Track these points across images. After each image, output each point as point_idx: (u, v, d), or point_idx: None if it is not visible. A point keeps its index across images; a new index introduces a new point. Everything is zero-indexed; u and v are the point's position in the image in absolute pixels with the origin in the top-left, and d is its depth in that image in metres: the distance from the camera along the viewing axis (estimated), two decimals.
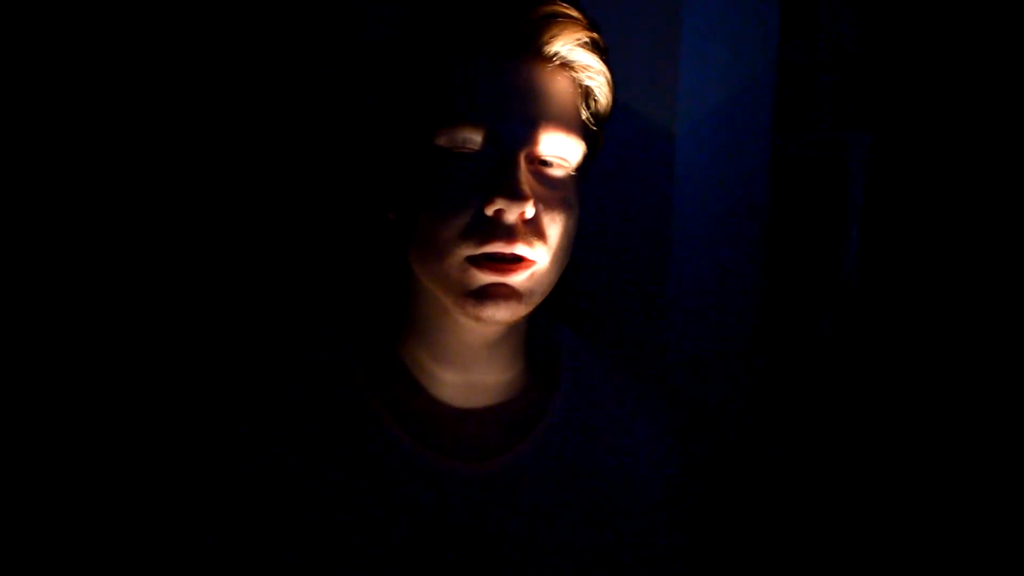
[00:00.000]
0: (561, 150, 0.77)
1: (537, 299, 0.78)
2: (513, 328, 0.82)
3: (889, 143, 1.10)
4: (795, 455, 1.12)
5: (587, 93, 0.80)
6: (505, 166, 0.74)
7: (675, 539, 0.89)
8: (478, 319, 0.76)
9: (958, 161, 1.11)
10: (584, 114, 0.80)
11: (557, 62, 0.77)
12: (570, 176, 0.79)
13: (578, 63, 0.78)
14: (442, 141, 0.75)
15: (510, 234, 0.74)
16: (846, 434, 1.12)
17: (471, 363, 0.83)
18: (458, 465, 0.80)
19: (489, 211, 0.73)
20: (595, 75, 0.80)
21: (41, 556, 1.05)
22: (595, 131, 0.82)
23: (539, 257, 0.76)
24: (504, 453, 0.82)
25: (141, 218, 1.15)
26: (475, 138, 0.75)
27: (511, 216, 0.74)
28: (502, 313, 0.76)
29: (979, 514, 0.97)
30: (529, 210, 0.74)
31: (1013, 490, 0.96)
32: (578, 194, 0.80)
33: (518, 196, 0.73)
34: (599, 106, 0.82)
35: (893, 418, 1.13)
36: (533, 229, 0.75)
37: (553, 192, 0.77)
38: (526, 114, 0.75)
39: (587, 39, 0.78)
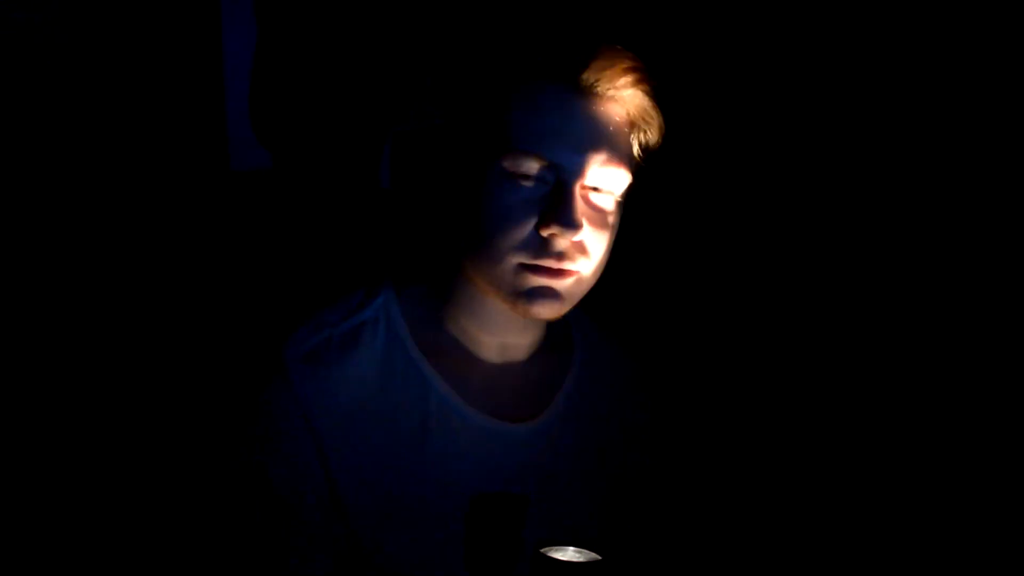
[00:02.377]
0: (611, 181, 0.87)
1: (577, 300, 0.90)
2: None
3: None
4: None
5: (638, 128, 0.89)
6: (561, 194, 0.84)
7: (649, 465, 1.05)
8: (526, 315, 0.89)
9: None
10: (635, 148, 0.90)
11: (611, 100, 0.86)
12: (616, 202, 0.89)
13: (631, 102, 0.87)
14: (506, 165, 0.85)
15: (560, 255, 0.85)
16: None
17: (509, 329, 0.95)
18: (504, 424, 0.93)
19: (544, 233, 0.84)
20: (647, 113, 0.88)
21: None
22: (640, 162, 0.91)
23: (583, 268, 0.87)
24: (536, 415, 0.95)
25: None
26: (535, 165, 0.84)
27: (563, 242, 0.85)
28: (547, 312, 0.88)
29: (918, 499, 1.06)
30: (579, 236, 0.85)
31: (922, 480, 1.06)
32: (619, 216, 0.90)
33: (572, 225, 0.84)
34: (649, 140, 0.90)
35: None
36: (579, 248, 0.86)
37: (599, 216, 0.87)
38: (582, 148, 0.84)
39: (640, 79, 0.86)
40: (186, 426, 1.15)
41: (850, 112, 1.13)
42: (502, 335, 0.95)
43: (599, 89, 0.84)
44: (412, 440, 0.91)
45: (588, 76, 0.84)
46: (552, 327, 1.00)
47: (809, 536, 1.10)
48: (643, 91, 0.87)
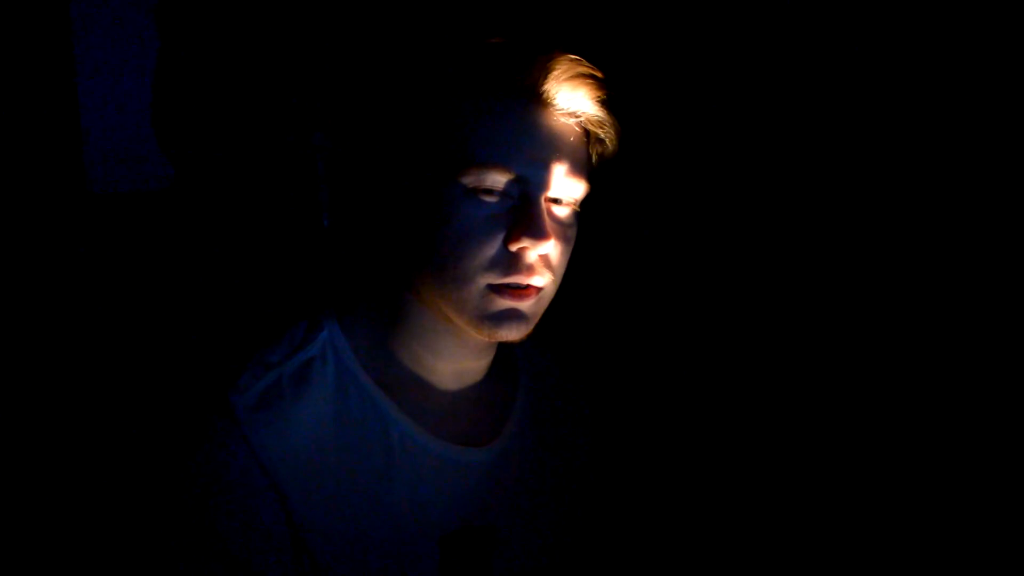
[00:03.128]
0: (572, 191, 0.86)
1: (539, 318, 0.88)
2: None
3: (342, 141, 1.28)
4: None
5: (595, 138, 0.88)
6: (528, 208, 0.82)
7: (591, 484, 1.06)
8: (492, 338, 0.86)
9: None
10: (593, 158, 0.89)
11: (569, 112, 0.84)
12: (574, 212, 0.88)
13: (589, 113, 0.85)
14: (468, 181, 0.82)
15: (529, 268, 0.83)
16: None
17: (464, 355, 0.92)
18: (466, 450, 0.91)
19: (514, 248, 0.82)
20: (604, 125, 0.87)
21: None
22: (596, 170, 0.90)
23: (547, 286, 0.86)
24: (493, 438, 0.94)
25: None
26: (500, 179, 0.82)
27: (533, 254, 0.83)
28: (514, 334, 0.86)
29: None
30: (548, 248, 0.83)
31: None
32: (576, 227, 0.89)
33: (542, 236, 0.82)
34: (605, 150, 0.90)
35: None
36: (545, 262, 0.85)
37: (562, 228, 0.86)
38: (545, 159, 0.82)
39: (597, 91, 0.85)
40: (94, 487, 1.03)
41: (832, 112, 1.12)
42: (457, 361, 0.92)
43: (557, 101, 0.83)
44: (376, 477, 0.87)
45: (546, 89, 0.82)
46: (500, 345, 0.97)
47: (777, 547, 1.11)
48: (600, 102, 0.85)
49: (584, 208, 0.89)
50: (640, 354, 1.24)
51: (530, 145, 0.82)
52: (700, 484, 1.17)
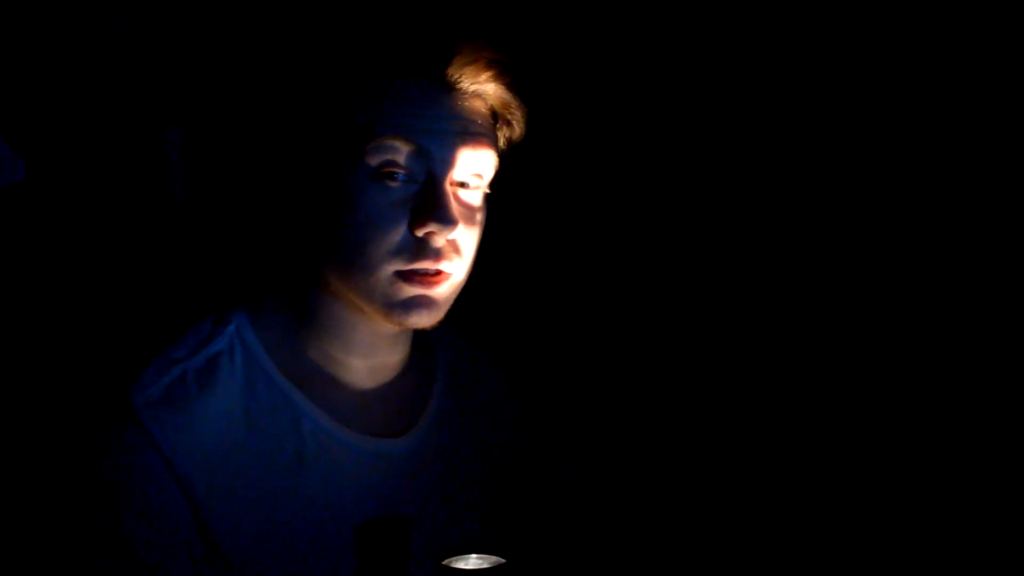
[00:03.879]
0: (478, 171, 0.86)
1: (450, 304, 0.88)
2: None
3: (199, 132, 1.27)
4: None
5: (503, 120, 0.89)
6: (433, 191, 0.82)
7: (517, 468, 1.05)
8: (403, 325, 0.86)
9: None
10: (501, 140, 0.90)
11: (475, 94, 0.85)
12: (484, 195, 0.88)
13: (493, 95, 0.87)
14: (371, 160, 0.81)
15: (437, 253, 0.83)
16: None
17: (377, 349, 0.92)
18: (380, 441, 0.90)
19: (419, 232, 0.82)
20: (510, 107, 0.88)
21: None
22: (506, 152, 0.91)
23: (456, 270, 0.86)
24: (408, 428, 0.93)
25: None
26: (403, 150, 0.81)
27: (440, 239, 0.83)
28: (425, 320, 0.85)
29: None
30: (455, 232, 0.83)
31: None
32: (486, 213, 0.89)
33: (448, 221, 0.82)
34: (513, 133, 0.91)
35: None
36: (453, 247, 0.84)
37: (470, 212, 0.86)
38: (450, 139, 0.83)
39: (502, 73, 0.85)
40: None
41: (833, 111, 1.13)
42: (370, 356, 0.92)
43: (462, 84, 0.84)
44: (289, 471, 0.86)
45: (451, 72, 0.83)
46: (415, 337, 0.97)
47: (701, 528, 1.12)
48: (505, 85, 0.86)
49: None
50: (633, 345, 1.23)
51: (433, 118, 0.82)
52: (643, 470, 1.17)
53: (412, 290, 0.83)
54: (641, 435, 1.18)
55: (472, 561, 0.73)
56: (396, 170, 0.82)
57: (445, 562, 0.72)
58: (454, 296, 0.88)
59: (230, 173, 1.17)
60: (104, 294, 1.16)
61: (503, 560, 0.73)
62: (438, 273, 0.84)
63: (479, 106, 0.86)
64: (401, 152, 0.81)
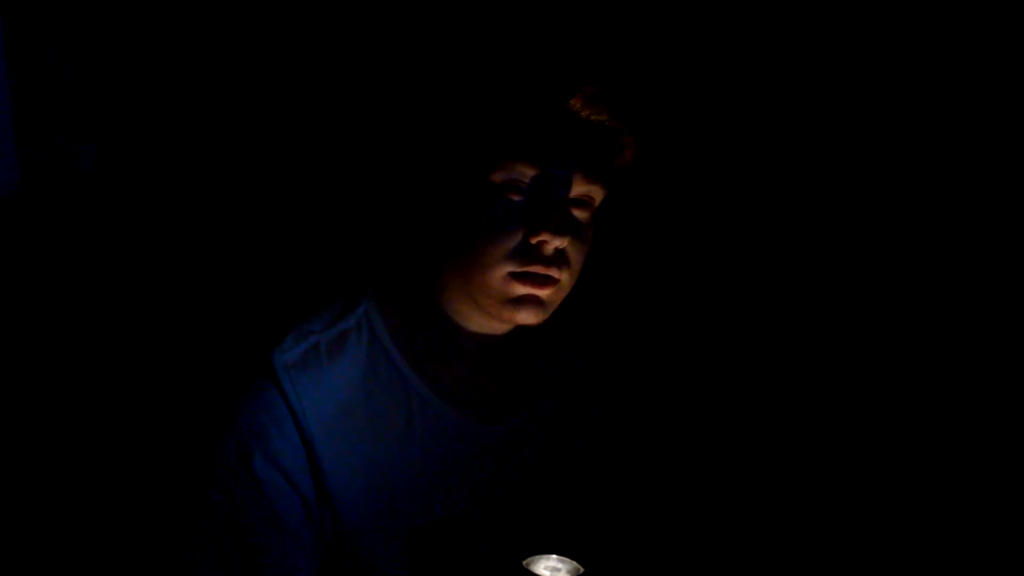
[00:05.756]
0: (591, 192, 0.94)
1: (555, 307, 0.97)
2: None
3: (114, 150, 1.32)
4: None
5: (616, 148, 0.96)
6: (550, 204, 0.91)
7: (603, 468, 1.12)
8: (511, 321, 0.95)
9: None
10: (613, 165, 0.97)
11: (593, 122, 0.92)
12: (592, 214, 0.96)
13: (611, 127, 0.94)
14: (496, 177, 0.91)
15: (548, 260, 0.92)
16: None
17: (486, 342, 1.01)
18: (481, 425, 1.00)
19: (534, 240, 0.91)
20: (624, 136, 0.96)
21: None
22: (616, 176, 0.98)
23: (564, 278, 0.94)
24: (509, 417, 1.02)
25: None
26: (528, 173, 0.91)
27: (550, 247, 0.91)
28: (531, 318, 0.94)
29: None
30: (564, 243, 0.92)
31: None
32: (593, 231, 0.97)
33: (560, 231, 0.91)
34: (624, 160, 0.98)
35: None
36: (563, 257, 0.93)
37: (579, 227, 0.94)
38: (569, 162, 0.91)
39: (616, 108, 0.93)
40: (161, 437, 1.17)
41: (836, 113, 1.17)
42: (480, 347, 1.01)
43: (583, 115, 0.92)
44: (397, 439, 0.97)
45: (573, 103, 0.91)
46: (525, 337, 1.05)
47: (791, 536, 1.15)
48: (620, 118, 0.94)
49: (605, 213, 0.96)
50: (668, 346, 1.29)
51: (557, 146, 0.91)
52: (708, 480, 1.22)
53: (523, 289, 0.92)
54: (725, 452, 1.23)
55: (552, 561, 0.81)
56: (519, 186, 0.91)
57: (525, 562, 0.80)
58: (559, 300, 0.96)
59: (377, 181, 1.27)
60: (257, 278, 1.30)
61: (580, 568, 0.80)
62: (548, 277, 0.92)
63: (597, 134, 0.93)
64: (524, 174, 0.90)
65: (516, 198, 0.91)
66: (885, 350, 1.14)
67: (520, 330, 1.01)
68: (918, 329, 1.11)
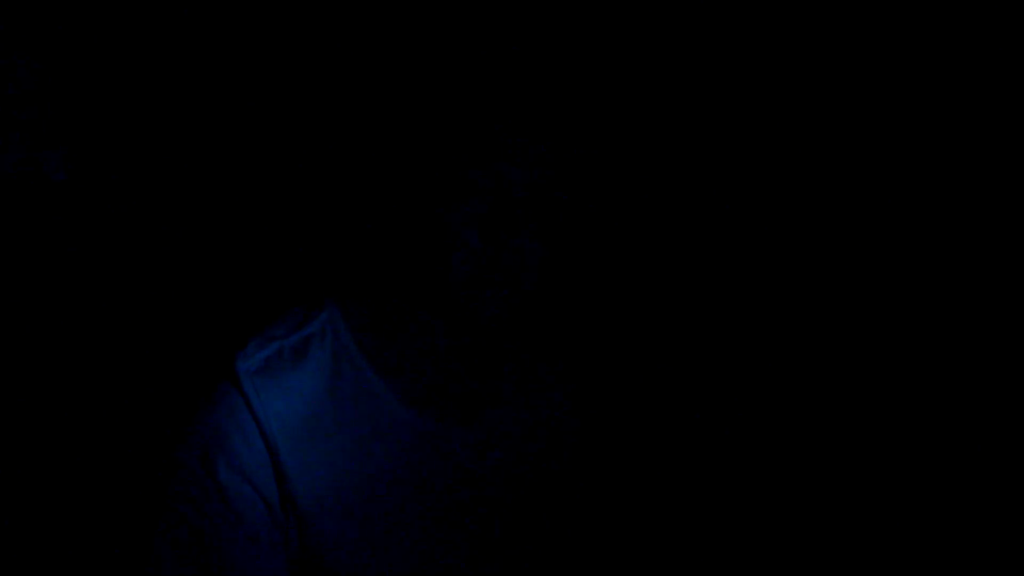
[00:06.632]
0: (560, 194, 0.93)
1: (526, 312, 0.96)
2: None
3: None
4: None
5: (580, 158, 0.96)
6: (512, 214, 0.90)
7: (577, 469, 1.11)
8: (477, 324, 0.94)
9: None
10: (577, 174, 0.96)
11: (554, 133, 0.92)
12: (562, 215, 0.94)
13: (572, 137, 0.93)
14: (459, 177, 0.90)
15: (510, 268, 0.91)
16: None
17: (452, 349, 0.99)
18: (444, 427, 0.99)
19: (496, 249, 0.90)
20: (610, 148, 0.99)
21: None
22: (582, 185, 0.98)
23: (531, 280, 0.93)
24: (477, 421, 1.01)
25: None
26: (495, 174, 0.89)
27: (515, 256, 0.90)
28: (497, 321, 0.94)
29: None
30: (534, 246, 0.91)
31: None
32: (568, 231, 0.96)
33: (522, 240, 0.90)
34: (595, 161, 0.99)
35: None
36: (526, 263, 0.92)
37: (546, 228, 0.93)
38: (538, 162, 0.90)
39: (606, 127, 0.96)
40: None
41: (836, 113, 1.16)
42: (446, 353, 1.00)
43: (544, 127, 0.91)
44: (363, 444, 0.96)
45: (547, 110, 0.91)
46: (489, 337, 1.04)
47: (791, 536, 1.15)
48: (583, 128, 0.94)
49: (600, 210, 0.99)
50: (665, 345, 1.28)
51: (518, 158, 0.89)
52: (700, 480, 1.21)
53: (489, 291, 0.91)
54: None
55: None
56: (485, 186, 0.89)
57: None
58: (526, 303, 0.95)
59: (345, 182, 1.27)
60: (215, 282, 1.30)
61: None
62: (515, 279, 0.92)
63: (559, 147, 0.92)
64: (491, 174, 0.89)
65: (481, 199, 0.90)
66: (885, 350, 1.13)
67: (488, 333, 1.00)
68: (918, 329, 1.11)
